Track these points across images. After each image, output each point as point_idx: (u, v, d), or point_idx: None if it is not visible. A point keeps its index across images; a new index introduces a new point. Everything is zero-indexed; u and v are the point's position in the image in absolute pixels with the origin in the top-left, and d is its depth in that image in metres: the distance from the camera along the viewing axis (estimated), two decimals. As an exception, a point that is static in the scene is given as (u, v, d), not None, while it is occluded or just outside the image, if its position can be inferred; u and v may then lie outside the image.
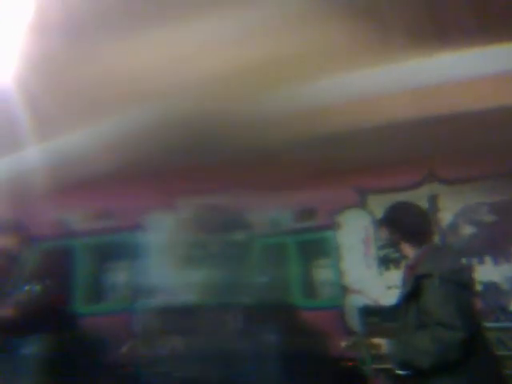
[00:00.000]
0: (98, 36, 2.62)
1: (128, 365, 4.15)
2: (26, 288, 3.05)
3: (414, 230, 2.29)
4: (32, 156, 3.75)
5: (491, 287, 4.48)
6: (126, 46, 2.68)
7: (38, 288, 3.05)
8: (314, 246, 5.03)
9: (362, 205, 5.06)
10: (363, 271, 4.87)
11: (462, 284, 2.10)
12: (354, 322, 4.48)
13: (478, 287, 4.50)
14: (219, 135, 3.85)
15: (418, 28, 2.74)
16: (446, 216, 4.86)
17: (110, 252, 5.07)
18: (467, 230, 4.79)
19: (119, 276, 5.06)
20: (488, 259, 4.64)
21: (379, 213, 5.00)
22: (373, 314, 4.24)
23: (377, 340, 2.25)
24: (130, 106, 3.30)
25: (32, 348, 3.17)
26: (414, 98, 3.41)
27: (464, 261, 4.56)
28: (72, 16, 2.48)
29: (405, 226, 2.28)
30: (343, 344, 2.63)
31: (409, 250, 2.26)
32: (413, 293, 2.09)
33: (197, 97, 3.24)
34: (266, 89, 3.30)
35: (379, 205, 4.93)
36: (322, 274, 4.99)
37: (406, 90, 3.31)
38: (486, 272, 4.55)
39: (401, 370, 2.15)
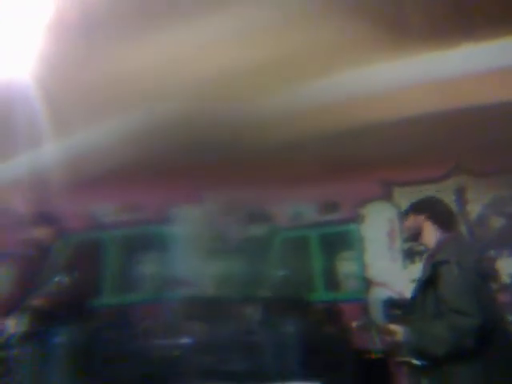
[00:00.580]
0: (113, 35, 2.69)
1: (154, 354, 4.25)
2: (56, 279, 3.17)
3: (440, 217, 2.28)
4: (61, 150, 3.87)
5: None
6: (139, 45, 2.73)
7: (66, 280, 3.16)
8: (338, 239, 5.04)
9: (387, 197, 5.03)
10: (387, 264, 4.86)
11: (479, 273, 2.08)
12: (378, 314, 4.48)
13: (506, 279, 4.44)
14: (245, 130, 3.88)
15: (435, 21, 2.69)
16: (473, 208, 4.79)
17: (138, 244, 5.19)
18: (496, 222, 4.72)
19: (147, 267, 5.18)
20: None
21: (405, 205, 5.01)
22: (396, 307, 4.23)
23: (393, 326, 2.23)
24: (151, 101, 3.37)
25: (62, 337, 3.29)
26: (438, 91, 3.37)
27: (490, 252, 4.51)
28: (88, 16, 2.55)
29: (433, 212, 2.27)
30: (354, 324, 2.63)
31: (432, 239, 2.23)
32: (430, 280, 2.08)
33: (220, 92, 3.29)
34: (290, 83, 3.31)
35: (405, 197, 4.92)
36: (346, 266, 5.00)
37: (430, 83, 3.28)
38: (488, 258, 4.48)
39: (416, 358, 2.13)
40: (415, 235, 2.32)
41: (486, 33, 2.76)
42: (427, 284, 2.11)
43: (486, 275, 2.15)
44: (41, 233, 3.65)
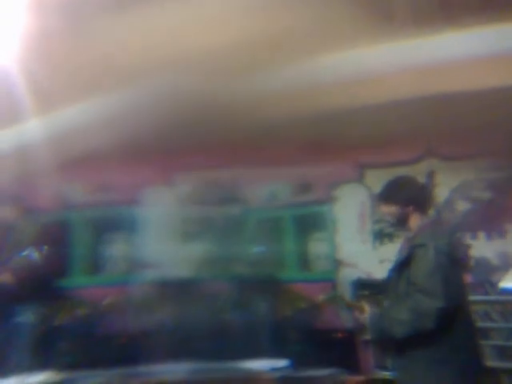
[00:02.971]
0: (97, 13, 2.59)
1: (122, 336, 4.25)
2: (24, 254, 3.08)
3: (422, 202, 2.29)
4: (31, 130, 3.74)
5: (482, 262, 4.56)
6: (124, 22, 2.64)
7: (35, 254, 3.08)
8: (310, 220, 5.09)
9: (359, 179, 5.09)
10: (357, 245, 4.94)
11: (454, 258, 2.12)
12: (347, 294, 4.58)
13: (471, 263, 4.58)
14: (217, 111, 3.83)
15: (419, 6, 2.68)
16: (442, 192, 4.90)
17: (108, 225, 5.11)
18: (462, 206, 4.84)
19: (116, 249, 5.12)
20: (481, 235, 4.71)
21: (376, 187, 5.05)
22: (365, 287, 4.33)
23: (361, 304, 2.27)
24: (128, 83, 3.27)
25: (27, 316, 3.22)
26: (413, 76, 3.38)
27: (464, 237, 4.64)
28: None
29: (415, 199, 2.27)
30: (320, 297, 2.65)
31: (415, 224, 2.24)
32: (406, 262, 2.11)
33: (194, 73, 3.21)
34: (265, 65, 3.26)
35: (377, 179, 4.96)
36: (318, 247, 5.06)
37: (405, 68, 3.28)
38: (479, 247, 4.63)
39: (378, 338, 2.18)
40: (401, 222, 2.29)
41: (467, 21, 2.76)
42: (402, 266, 2.13)
43: (459, 260, 2.19)
44: (5, 212, 3.54)
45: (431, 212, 2.46)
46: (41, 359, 3.20)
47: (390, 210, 2.30)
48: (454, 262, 2.11)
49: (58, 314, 3.38)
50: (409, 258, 2.10)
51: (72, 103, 3.44)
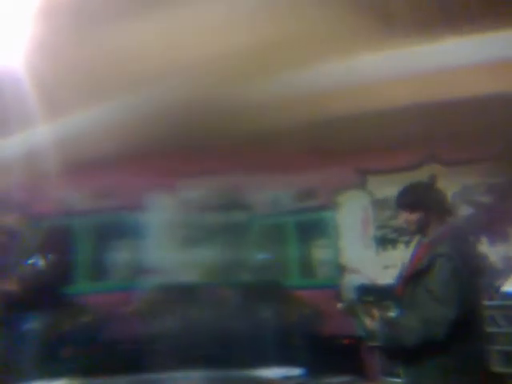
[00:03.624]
0: (106, 18, 2.62)
1: (128, 342, 4.23)
2: (30, 262, 3.08)
3: (443, 207, 2.23)
4: (35, 137, 3.76)
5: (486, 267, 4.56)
6: (132, 28, 2.67)
7: (41, 262, 3.08)
8: (314, 226, 5.10)
9: (361, 185, 5.10)
10: (361, 251, 4.95)
11: (475, 268, 2.09)
12: (351, 300, 4.57)
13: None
14: (220, 117, 3.85)
15: (418, 14, 2.72)
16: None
17: (112, 232, 5.11)
18: (465, 211, 4.85)
19: (120, 255, 5.11)
20: (484, 239, 4.71)
21: (379, 193, 5.12)
22: (369, 293, 4.31)
23: (374, 311, 2.24)
24: (132, 89, 3.30)
25: (33, 324, 3.21)
26: (414, 83, 3.41)
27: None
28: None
29: (437, 204, 2.20)
30: (339, 306, 2.63)
31: (432, 229, 2.18)
32: (426, 270, 2.05)
33: (198, 79, 3.24)
34: (268, 72, 3.29)
35: (379, 185, 5.00)
36: (321, 253, 5.06)
37: (406, 75, 3.32)
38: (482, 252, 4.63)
39: (388, 345, 2.14)
40: (421, 228, 2.21)
41: (466, 28, 2.80)
42: (422, 274, 2.08)
43: (479, 270, 2.16)
44: (9, 218, 3.55)
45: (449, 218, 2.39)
46: (46, 366, 3.18)
47: (411, 217, 2.22)
48: (474, 272, 2.10)
49: (63, 321, 3.36)
50: (429, 267, 2.05)
51: (76, 109, 3.46)
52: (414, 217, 2.21)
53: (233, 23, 2.72)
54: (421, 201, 2.22)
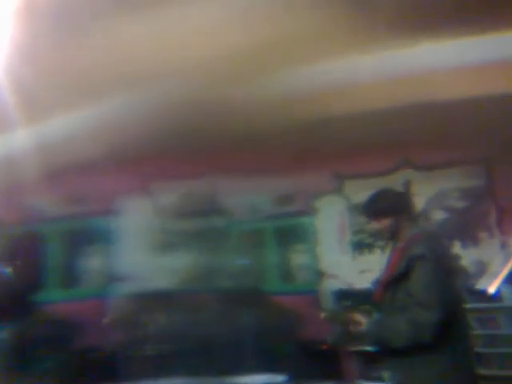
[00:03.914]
0: (87, 20, 2.54)
1: (101, 350, 4.12)
2: None
3: (411, 211, 2.31)
4: (4, 143, 3.63)
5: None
6: (114, 30, 2.59)
7: (7, 270, 2.96)
8: (292, 232, 5.08)
9: (338, 190, 5.11)
10: (338, 256, 4.95)
11: (451, 269, 2.14)
12: (329, 305, 4.56)
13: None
14: (196, 121, 3.80)
15: (401, 17, 2.73)
16: (418, 201, 4.96)
17: (84, 237, 4.97)
18: (438, 215, 4.92)
19: (92, 262, 4.97)
20: (457, 243, 4.78)
21: (355, 198, 5.14)
22: (347, 298, 4.32)
23: (358, 316, 2.24)
24: (112, 92, 3.22)
25: (1, 334, 3.09)
26: (390, 87, 3.44)
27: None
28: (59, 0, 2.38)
29: (405, 208, 2.26)
30: (322, 315, 2.62)
31: (405, 234, 2.22)
32: (405, 273, 2.08)
33: (176, 83, 3.18)
34: (245, 76, 3.26)
35: (355, 190, 5.03)
36: (299, 258, 5.05)
37: (382, 79, 3.34)
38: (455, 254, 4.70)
39: (376, 349, 2.16)
40: (394, 234, 2.25)
41: (446, 31, 2.83)
42: (401, 277, 2.10)
43: (455, 270, 2.19)
44: None
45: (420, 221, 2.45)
46: (15, 377, 3.05)
47: (382, 225, 2.26)
48: (451, 272, 2.14)
49: (32, 331, 3.23)
50: (408, 270, 2.07)
51: (51, 114, 3.35)
52: (383, 224, 2.25)
53: (227, 23, 2.67)
54: (387, 207, 2.25)
